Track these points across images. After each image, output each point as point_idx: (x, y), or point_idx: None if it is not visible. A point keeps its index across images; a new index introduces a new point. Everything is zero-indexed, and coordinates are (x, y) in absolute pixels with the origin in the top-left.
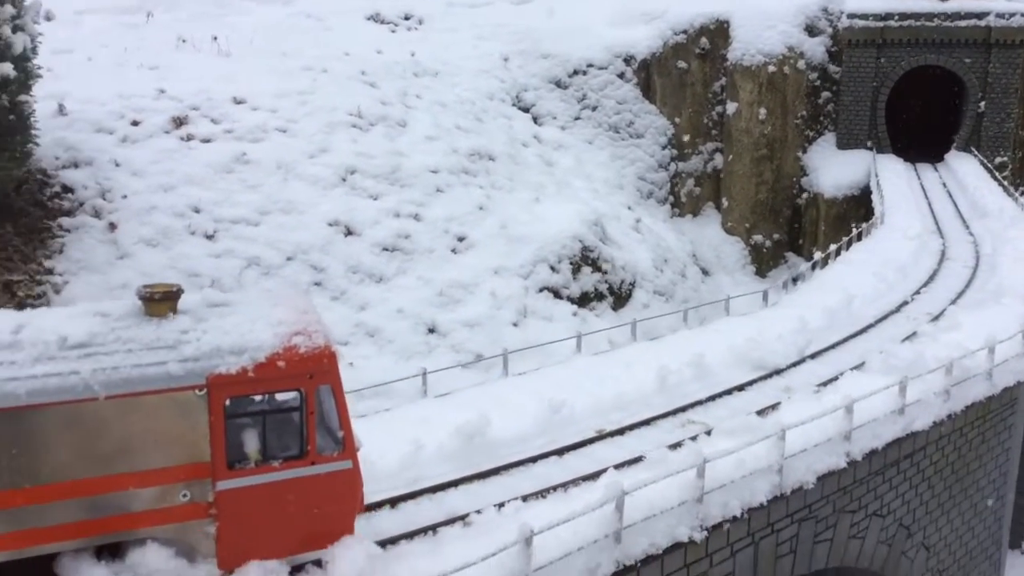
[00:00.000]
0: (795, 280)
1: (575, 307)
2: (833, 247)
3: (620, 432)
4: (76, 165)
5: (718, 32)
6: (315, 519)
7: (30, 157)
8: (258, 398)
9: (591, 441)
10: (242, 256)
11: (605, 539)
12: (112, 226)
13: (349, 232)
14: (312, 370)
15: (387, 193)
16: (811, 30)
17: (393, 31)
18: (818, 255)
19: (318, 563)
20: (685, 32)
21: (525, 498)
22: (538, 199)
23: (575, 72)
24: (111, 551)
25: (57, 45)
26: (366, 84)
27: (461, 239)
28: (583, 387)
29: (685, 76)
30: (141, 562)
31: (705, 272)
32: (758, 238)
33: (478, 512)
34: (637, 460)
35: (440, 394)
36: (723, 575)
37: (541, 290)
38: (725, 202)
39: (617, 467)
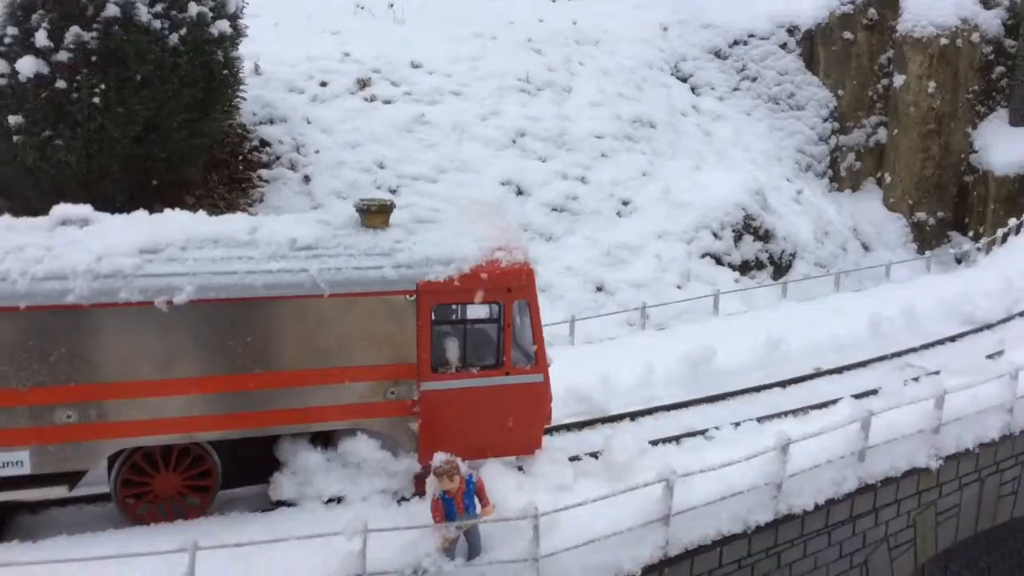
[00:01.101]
0: (959, 261)
1: (736, 274)
2: (1003, 229)
3: (838, 371)
4: (272, 121)
5: (887, 2)
6: (507, 427)
7: (237, 111)
8: (460, 307)
9: (811, 377)
10: (423, 210)
11: (851, 456)
12: (307, 179)
13: (520, 192)
14: (511, 284)
15: (554, 156)
16: (986, 2)
17: (554, 1)
18: (988, 237)
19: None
20: (852, 2)
21: (759, 419)
22: (698, 167)
23: (735, 42)
24: (324, 439)
25: (247, 9)
26: (532, 51)
27: (625, 203)
28: (795, 330)
29: (850, 47)
30: (351, 451)
31: (865, 247)
32: (921, 215)
33: (716, 428)
34: (872, 392)
35: (660, 327)
36: (950, 506)
37: (704, 256)
38: (888, 177)
39: (855, 397)
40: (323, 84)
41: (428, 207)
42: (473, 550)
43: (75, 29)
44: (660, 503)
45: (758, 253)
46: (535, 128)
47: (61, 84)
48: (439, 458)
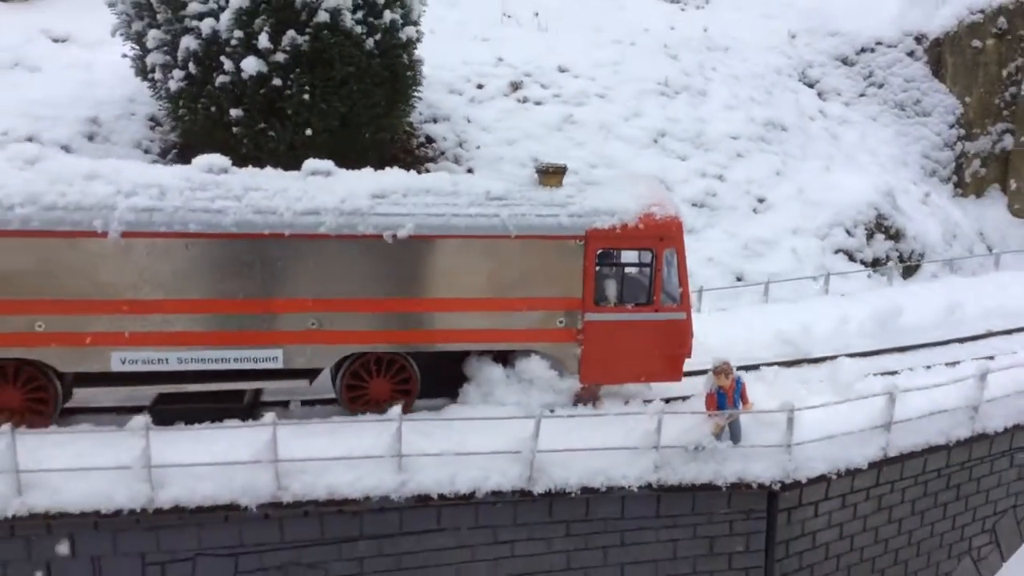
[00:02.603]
0: None
1: (869, 270)
2: None
3: (1008, 332)
4: (435, 120)
5: (1017, 11)
6: (653, 356)
7: (414, 109)
8: (619, 252)
9: (985, 336)
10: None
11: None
12: (470, 171)
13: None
14: (663, 234)
15: (693, 155)
16: None
17: (683, 10)
18: None
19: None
20: (982, 11)
21: (947, 364)
22: (828, 168)
23: (862, 50)
24: (503, 358)
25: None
26: (668, 56)
27: (761, 200)
28: (966, 299)
29: (979, 55)
30: (526, 369)
31: (990, 250)
32: None
33: (910, 369)
34: None
35: (842, 293)
36: None
37: (836, 251)
38: (1013, 184)
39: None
40: (479, 87)
41: None
42: (735, 437)
43: (291, 33)
44: (884, 412)
45: (888, 251)
46: (674, 129)
47: (277, 82)
48: (718, 359)
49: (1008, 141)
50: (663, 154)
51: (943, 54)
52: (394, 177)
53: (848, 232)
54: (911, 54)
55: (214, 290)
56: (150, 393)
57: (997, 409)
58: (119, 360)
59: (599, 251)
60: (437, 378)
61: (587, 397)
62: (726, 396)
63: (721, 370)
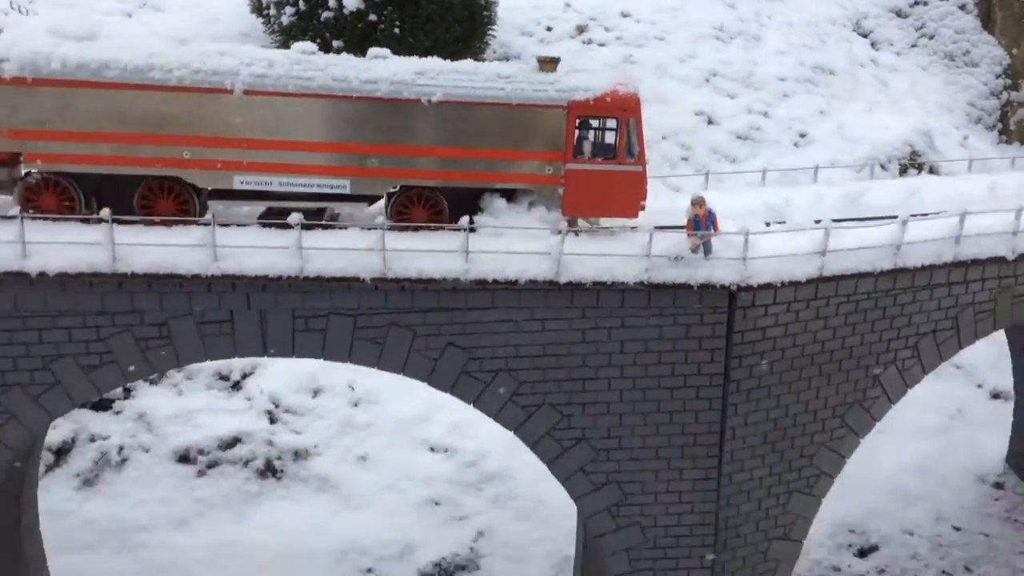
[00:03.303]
0: None
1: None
2: None
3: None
4: (507, 58)
5: None
6: (618, 198)
7: (488, 47)
8: (593, 120)
9: (933, 214)
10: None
11: (950, 239)
12: None
13: (710, 121)
14: (626, 107)
15: (742, 94)
16: None
17: None
18: None
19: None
20: None
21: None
22: (871, 110)
23: (916, 2)
24: (508, 195)
25: None
26: (726, 5)
27: (802, 135)
28: (934, 188)
29: None
30: (524, 202)
31: None
32: None
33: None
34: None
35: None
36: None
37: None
38: None
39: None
40: (548, 29)
41: None
42: (707, 252)
43: None
44: (820, 242)
45: None
46: (726, 70)
47: (372, 17)
48: (695, 195)
49: None
50: (714, 92)
51: (992, 7)
52: (432, 62)
53: (882, 167)
54: (962, 7)
55: (304, 134)
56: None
57: (915, 249)
58: (239, 181)
59: (578, 118)
60: (459, 209)
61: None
62: (700, 222)
63: (697, 202)
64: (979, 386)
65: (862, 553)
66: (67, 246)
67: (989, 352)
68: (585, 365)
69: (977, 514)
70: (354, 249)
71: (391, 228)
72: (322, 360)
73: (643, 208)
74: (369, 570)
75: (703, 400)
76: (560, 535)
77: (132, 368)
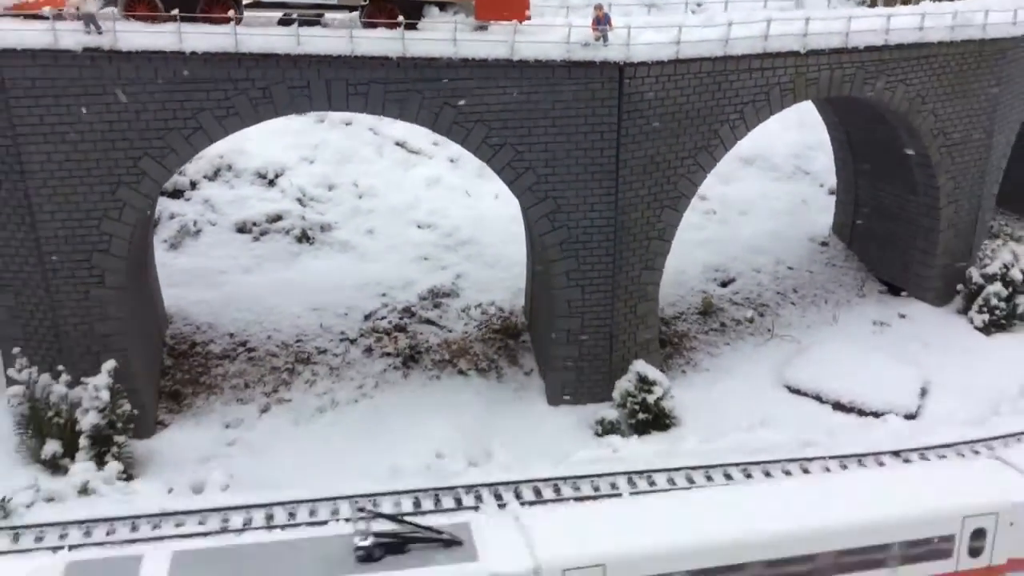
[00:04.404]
0: None
1: None
2: None
3: None
4: None
5: None
6: (509, 8)
7: None
8: None
9: None
10: None
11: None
12: None
13: None
14: None
15: None
16: None
17: None
18: None
19: None
20: None
21: None
22: None
23: None
24: (441, 6)
25: None
26: None
27: None
28: None
29: None
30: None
31: None
32: None
33: None
34: None
35: None
36: (812, 78)
37: None
38: None
39: None
40: None
41: None
42: (605, 42)
43: None
44: (676, 36)
45: None
46: None
47: None
48: (598, 1)
49: None
50: None
51: None
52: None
53: None
54: None
55: None
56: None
57: (738, 43)
58: None
59: None
60: (408, 16)
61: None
62: (601, 20)
63: (598, 7)
64: (821, 185)
65: (723, 284)
66: (202, 36)
67: (831, 161)
68: (530, 118)
69: (806, 260)
70: (386, 38)
71: (406, 27)
72: (365, 114)
73: (528, 16)
74: (383, 294)
75: (606, 140)
76: (514, 276)
77: (246, 118)
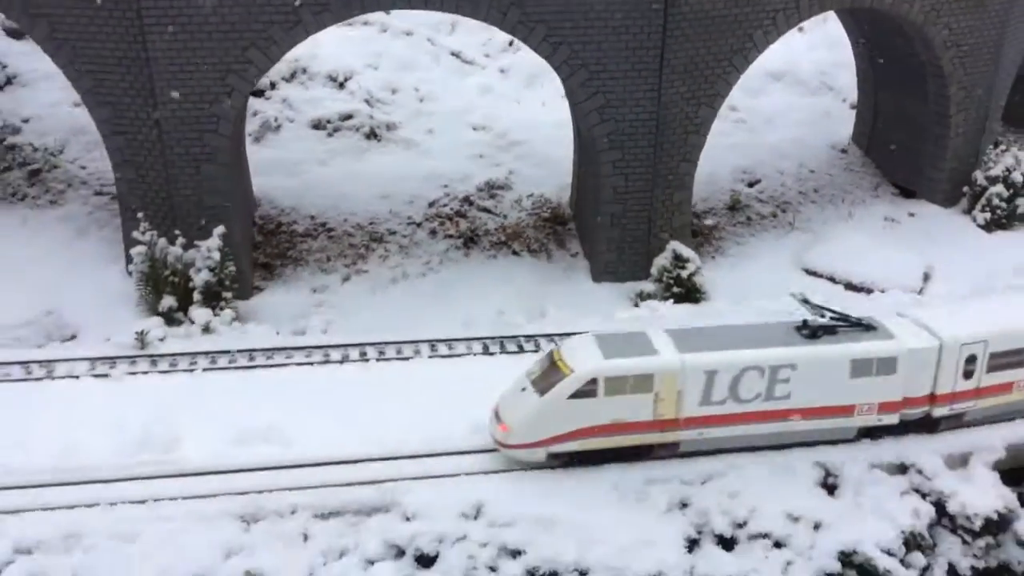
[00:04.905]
0: None
1: None
2: None
3: None
4: None
5: None
6: None
7: None
8: None
9: None
10: None
11: None
12: None
13: None
14: None
15: None
16: None
17: None
18: None
19: None
20: None
21: None
22: None
23: None
24: None
25: None
26: None
27: None
28: None
29: None
30: None
31: None
32: None
33: None
34: None
35: None
36: None
37: None
38: None
39: None
40: None
41: None
42: None
43: None
44: None
45: None
46: None
47: None
48: None
49: None
50: None
51: None
52: None
53: None
54: None
55: None
56: None
57: None
58: None
59: None
60: None
61: None
62: None
63: None
64: (843, 100)
65: (750, 184)
66: None
67: (853, 78)
68: (586, 19)
69: (826, 164)
70: None
71: None
72: (425, 25)
73: None
74: (445, 185)
75: (652, 41)
76: (560, 173)
77: (338, 13)
